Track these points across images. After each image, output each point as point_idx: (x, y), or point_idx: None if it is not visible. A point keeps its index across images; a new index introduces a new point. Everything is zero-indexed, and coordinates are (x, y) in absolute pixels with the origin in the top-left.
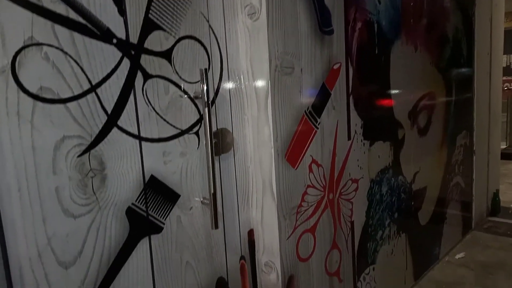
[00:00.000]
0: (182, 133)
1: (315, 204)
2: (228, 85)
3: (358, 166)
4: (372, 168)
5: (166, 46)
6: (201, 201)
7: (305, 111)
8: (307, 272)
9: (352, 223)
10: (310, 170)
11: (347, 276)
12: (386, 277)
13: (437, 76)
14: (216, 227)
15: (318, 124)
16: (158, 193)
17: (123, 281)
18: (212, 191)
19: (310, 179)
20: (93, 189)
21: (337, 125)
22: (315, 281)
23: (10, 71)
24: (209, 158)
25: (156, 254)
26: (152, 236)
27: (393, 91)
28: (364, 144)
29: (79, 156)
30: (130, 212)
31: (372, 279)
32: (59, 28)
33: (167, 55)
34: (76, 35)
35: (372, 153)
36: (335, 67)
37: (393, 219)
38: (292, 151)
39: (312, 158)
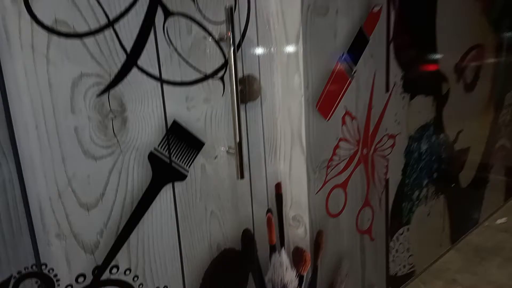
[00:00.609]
0: (206, 77)
1: (348, 159)
2: (256, 27)
3: (396, 121)
4: (411, 124)
5: None
6: (226, 151)
7: (339, 58)
8: (336, 228)
9: (386, 181)
10: (343, 122)
11: (380, 235)
12: (421, 239)
13: (487, 28)
14: (242, 177)
15: (354, 73)
16: (181, 140)
17: (147, 226)
18: (237, 140)
19: (343, 132)
20: (113, 131)
21: (374, 75)
22: (345, 237)
23: (22, 0)
24: (235, 105)
25: (180, 201)
26: (176, 183)
27: (439, 41)
28: (403, 97)
29: (98, 95)
30: (153, 158)
31: (406, 239)
32: None
33: None
34: None
35: (412, 107)
36: (375, 10)
37: (432, 180)
38: (324, 101)
39: (346, 110)
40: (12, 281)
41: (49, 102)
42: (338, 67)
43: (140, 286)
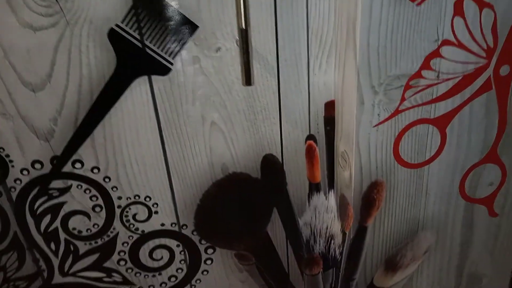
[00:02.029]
0: None
1: (459, 79)
2: None
3: None
4: None
5: None
6: (236, 42)
7: None
8: (415, 185)
9: None
10: (458, 11)
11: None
12: None
13: None
14: (248, 82)
15: None
16: (159, 17)
17: (116, 123)
18: (242, 26)
19: (453, 30)
20: None
21: None
22: (433, 201)
23: None
24: None
25: (162, 102)
26: (154, 78)
27: None
28: None
29: None
30: (115, 37)
31: None
32: None
33: None
34: None
35: None
36: None
37: None
38: None
39: None
40: None
41: None
42: None
43: (114, 189)
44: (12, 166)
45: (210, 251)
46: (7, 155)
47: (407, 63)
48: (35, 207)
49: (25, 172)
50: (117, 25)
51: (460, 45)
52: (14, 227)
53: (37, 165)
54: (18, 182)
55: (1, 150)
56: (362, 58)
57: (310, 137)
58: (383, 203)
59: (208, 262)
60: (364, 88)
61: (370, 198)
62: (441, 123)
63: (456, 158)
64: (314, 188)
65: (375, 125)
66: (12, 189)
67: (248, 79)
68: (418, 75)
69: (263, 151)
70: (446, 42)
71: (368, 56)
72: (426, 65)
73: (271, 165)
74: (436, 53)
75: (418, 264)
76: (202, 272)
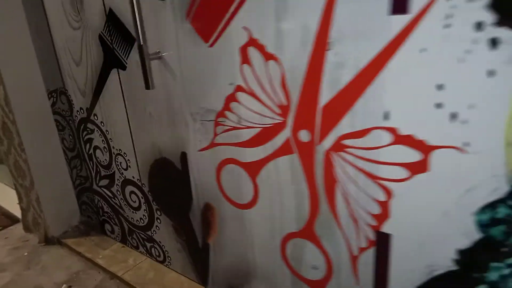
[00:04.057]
0: None
1: (259, 130)
2: None
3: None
4: None
5: None
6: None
7: None
8: (238, 224)
9: (380, 234)
10: (244, 58)
11: None
12: None
13: None
14: (147, 87)
15: None
16: (117, 29)
17: (106, 94)
18: (140, 42)
19: (243, 76)
20: (77, 9)
21: None
22: (258, 251)
23: None
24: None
25: (125, 89)
26: (120, 71)
27: None
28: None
29: None
30: (101, 40)
31: None
32: None
33: None
34: None
35: None
36: None
37: None
38: (200, 11)
39: (250, 36)
40: (54, 94)
41: None
42: None
43: (110, 140)
44: (73, 104)
45: (158, 213)
46: (71, 100)
47: (213, 100)
48: (83, 136)
49: (78, 113)
50: (101, 31)
51: (252, 95)
52: (78, 144)
53: (82, 111)
54: (76, 117)
55: (69, 96)
56: (179, 83)
57: None
58: (218, 227)
59: (158, 221)
60: (186, 113)
61: (206, 217)
62: (251, 170)
63: (272, 216)
64: None
65: (199, 150)
66: (75, 120)
67: (146, 84)
68: (222, 114)
69: (180, 148)
70: (240, 88)
71: (183, 84)
72: (227, 106)
73: (187, 162)
74: (232, 97)
75: None
76: (156, 227)
